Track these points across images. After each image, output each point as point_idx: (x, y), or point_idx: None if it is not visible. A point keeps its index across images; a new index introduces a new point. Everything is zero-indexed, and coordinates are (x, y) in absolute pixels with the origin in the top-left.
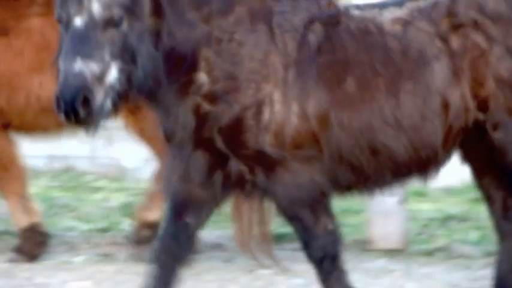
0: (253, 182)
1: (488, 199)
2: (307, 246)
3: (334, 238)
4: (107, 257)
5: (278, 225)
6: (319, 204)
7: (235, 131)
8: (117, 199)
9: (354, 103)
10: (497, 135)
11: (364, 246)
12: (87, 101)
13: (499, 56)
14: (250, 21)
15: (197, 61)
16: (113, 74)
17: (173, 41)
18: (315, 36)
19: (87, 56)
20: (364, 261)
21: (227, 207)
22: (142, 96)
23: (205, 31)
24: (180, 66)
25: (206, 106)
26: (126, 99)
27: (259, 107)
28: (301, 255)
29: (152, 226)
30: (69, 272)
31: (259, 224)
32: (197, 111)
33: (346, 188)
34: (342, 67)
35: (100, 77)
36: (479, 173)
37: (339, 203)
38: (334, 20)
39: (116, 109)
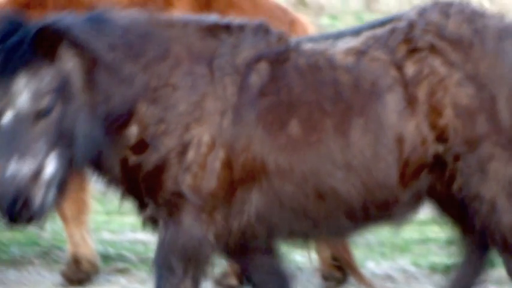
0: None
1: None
2: None
3: None
4: None
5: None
6: (195, 265)
7: (156, 173)
8: None
9: (298, 147)
10: (457, 167)
11: None
12: (26, 204)
13: (458, 82)
14: (189, 63)
15: (132, 115)
16: (51, 165)
17: (111, 105)
18: (258, 77)
19: (21, 154)
20: None
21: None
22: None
23: (143, 82)
24: (116, 126)
25: (133, 157)
26: (70, 181)
27: (184, 147)
28: None
29: None
30: None
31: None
32: (124, 164)
33: (295, 235)
34: (285, 109)
35: (37, 174)
36: (443, 210)
37: None
38: (282, 57)
39: (61, 196)
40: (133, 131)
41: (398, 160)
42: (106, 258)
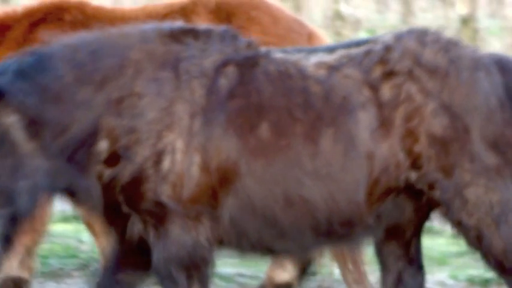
0: (148, 241)
1: (384, 268)
2: None
3: None
4: None
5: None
6: (196, 270)
7: (135, 184)
8: None
9: (268, 150)
10: (435, 194)
11: None
12: None
13: (433, 111)
14: (152, 69)
15: (97, 133)
16: None
17: (69, 134)
18: (227, 80)
19: None
20: None
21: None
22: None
23: (103, 98)
24: (81, 149)
25: (107, 171)
26: (18, 234)
27: (159, 156)
28: None
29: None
30: None
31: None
32: (100, 179)
33: (261, 246)
34: (255, 112)
35: None
36: (383, 239)
37: None
38: (251, 62)
39: (8, 251)
40: (103, 146)
41: (367, 177)
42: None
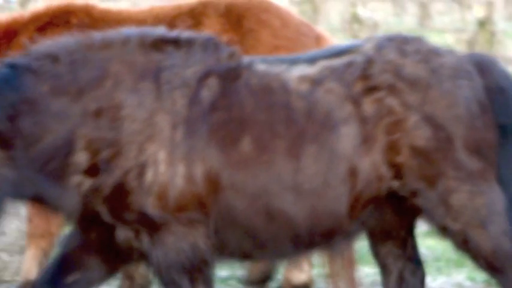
0: (139, 248)
1: (384, 269)
2: None
3: None
4: None
5: None
6: (199, 272)
7: (118, 196)
8: None
9: (250, 164)
10: (418, 202)
11: None
12: None
13: (415, 124)
14: (132, 80)
15: (73, 143)
16: None
17: (43, 144)
18: (209, 91)
19: None
20: None
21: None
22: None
23: (79, 109)
24: (54, 158)
25: (88, 181)
26: None
27: (142, 168)
28: None
29: None
30: None
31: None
32: (80, 188)
33: (240, 254)
34: (237, 126)
35: None
36: (377, 242)
37: None
38: (233, 74)
39: None
40: (82, 158)
41: (350, 192)
42: None
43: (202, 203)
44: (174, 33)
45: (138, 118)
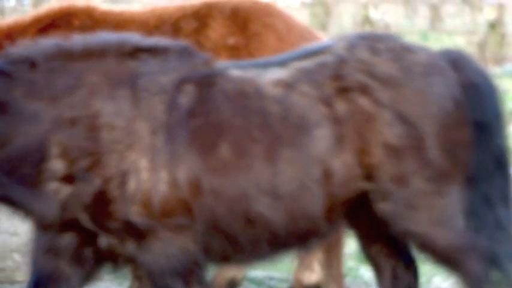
0: (125, 254)
1: (377, 268)
2: None
3: None
4: None
5: None
6: (192, 274)
7: (100, 205)
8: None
9: (228, 170)
10: (385, 206)
11: None
12: None
13: (387, 122)
14: (109, 88)
15: (47, 149)
16: None
17: (12, 147)
18: (186, 98)
19: None
20: None
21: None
22: None
23: (53, 115)
24: (25, 163)
25: (66, 188)
26: None
27: (123, 177)
28: None
29: None
30: None
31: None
32: (57, 196)
33: (222, 258)
34: (215, 131)
35: None
36: (367, 242)
37: None
38: (208, 80)
39: None
40: (58, 165)
41: (325, 194)
42: None
43: (188, 208)
44: (150, 40)
45: (116, 126)
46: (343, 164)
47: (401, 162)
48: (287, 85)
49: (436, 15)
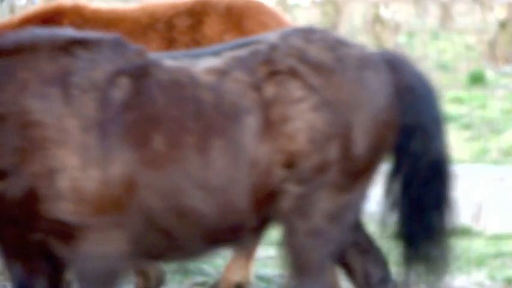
0: (56, 254)
1: (348, 271)
2: None
3: None
4: None
5: None
6: (112, 279)
7: (28, 203)
8: None
9: (162, 163)
10: (296, 189)
11: None
12: None
13: (314, 106)
14: (40, 85)
15: None
16: None
17: None
18: (120, 91)
19: None
20: None
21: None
22: None
23: None
24: None
25: None
26: None
27: (52, 174)
28: None
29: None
30: None
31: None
32: None
33: (157, 254)
34: (150, 124)
35: None
36: None
37: None
38: (142, 71)
39: None
40: None
41: (252, 185)
42: (186, 271)
43: (121, 205)
44: (82, 34)
45: (45, 124)
46: (267, 151)
47: (324, 150)
48: (220, 72)
49: (446, 14)
